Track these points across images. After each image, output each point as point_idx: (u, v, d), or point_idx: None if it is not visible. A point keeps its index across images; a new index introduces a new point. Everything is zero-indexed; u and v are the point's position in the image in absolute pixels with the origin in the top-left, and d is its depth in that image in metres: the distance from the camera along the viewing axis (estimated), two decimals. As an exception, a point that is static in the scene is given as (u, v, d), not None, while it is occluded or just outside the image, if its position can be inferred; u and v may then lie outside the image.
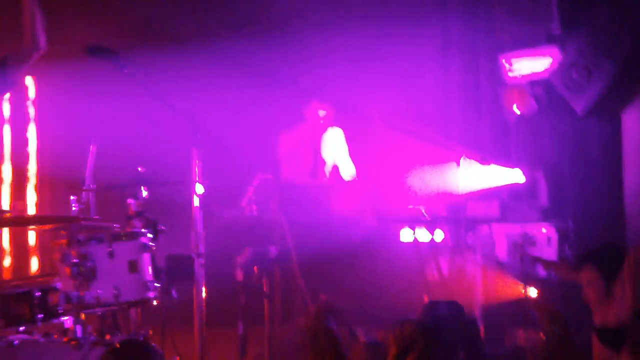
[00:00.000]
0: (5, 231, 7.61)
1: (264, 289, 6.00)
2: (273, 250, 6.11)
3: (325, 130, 7.51)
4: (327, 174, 7.56)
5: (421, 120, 7.67)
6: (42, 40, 5.33)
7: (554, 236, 7.01)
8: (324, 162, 7.51)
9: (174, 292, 5.17)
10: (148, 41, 7.09)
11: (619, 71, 7.11)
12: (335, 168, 7.62)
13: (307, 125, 7.49)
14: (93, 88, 7.15)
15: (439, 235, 6.92)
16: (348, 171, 7.57)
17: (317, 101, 7.41)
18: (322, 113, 7.39)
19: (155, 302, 4.95)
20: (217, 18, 7.74)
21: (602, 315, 4.67)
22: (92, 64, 5.21)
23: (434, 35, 8.29)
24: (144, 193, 5.11)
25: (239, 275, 6.06)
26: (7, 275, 7.64)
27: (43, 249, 7.68)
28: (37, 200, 7.94)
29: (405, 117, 7.16)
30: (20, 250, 7.85)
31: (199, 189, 5.14)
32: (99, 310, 4.74)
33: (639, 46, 7.06)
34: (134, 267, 4.78)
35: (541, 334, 4.71)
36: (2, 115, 5.65)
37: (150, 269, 4.87)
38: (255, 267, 6.05)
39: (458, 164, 6.53)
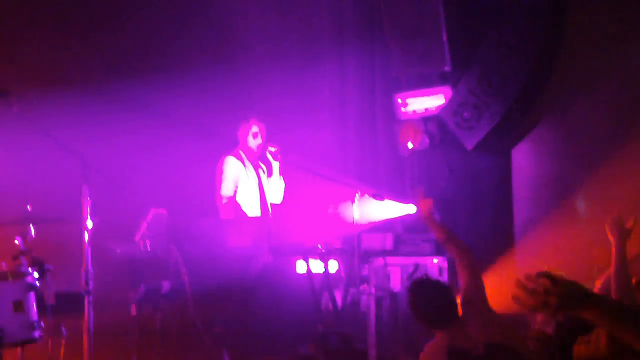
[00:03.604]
0: None
1: (157, 325, 6.03)
2: (166, 286, 6.14)
3: (263, 149, 7.25)
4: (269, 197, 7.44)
5: (317, 156, 7.78)
6: None
7: (446, 268, 7.23)
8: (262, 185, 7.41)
9: (63, 330, 5.19)
10: (38, 80, 7.07)
11: (507, 110, 7.42)
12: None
13: (242, 147, 7.29)
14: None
15: (333, 267, 7.06)
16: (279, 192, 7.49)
17: (255, 118, 7.23)
18: (255, 129, 7.24)
19: (41, 342, 4.94)
20: (108, 56, 7.75)
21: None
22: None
23: (331, 73, 8.47)
24: (32, 231, 5.12)
25: (133, 311, 6.08)
26: None
27: None
28: None
29: (301, 153, 7.26)
30: None
31: (89, 225, 5.17)
32: (-19, 351, 4.69)
33: (526, 86, 7.42)
34: (19, 307, 4.78)
35: None
36: None
37: (36, 309, 4.87)
38: (148, 303, 6.08)
39: (353, 200, 6.65)
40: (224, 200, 7.13)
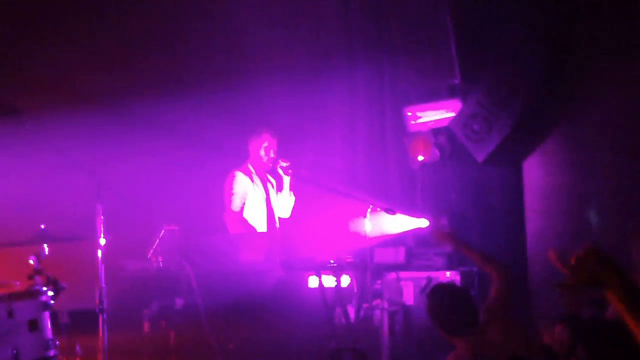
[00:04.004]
0: None
1: (171, 342, 6.02)
2: (179, 302, 6.14)
3: (274, 163, 7.18)
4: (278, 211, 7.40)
5: (328, 170, 7.78)
6: None
7: (459, 281, 7.20)
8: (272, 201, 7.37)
9: (77, 348, 5.19)
10: (50, 98, 7.09)
11: (517, 122, 7.40)
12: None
13: (252, 160, 7.26)
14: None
15: (345, 282, 7.04)
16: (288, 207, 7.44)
17: (267, 132, 7.22)
18: (267, 143, 7.19)
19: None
20: (119, 74, 7.78)
21: None
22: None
23: (340, 87, 8.48)
24: (46, 250, 5.12)
25: (146, 327, 6.07)
26: None
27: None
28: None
29: (312, 168, 7.25)
30: None
31: (102, 243, 5.19)
32: (-3, 371, 4.69)
33: (536, 97, 7.40)
34: (34, 325, 4.78)
35: None
36: None
37: (50, 327, 4.88)
38: (161, 319, 6.08)
39: (365, 214, 6.65)
40: (232, 216, 7.13)
